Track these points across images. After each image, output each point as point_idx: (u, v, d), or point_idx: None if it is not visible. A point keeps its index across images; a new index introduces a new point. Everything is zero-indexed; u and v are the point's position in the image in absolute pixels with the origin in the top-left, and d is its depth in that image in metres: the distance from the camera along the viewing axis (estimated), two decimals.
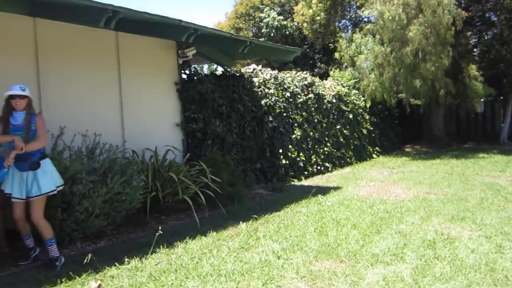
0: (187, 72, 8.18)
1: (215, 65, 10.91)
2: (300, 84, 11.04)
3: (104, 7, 4.81)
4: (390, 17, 12.30)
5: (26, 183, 4.15)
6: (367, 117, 14.04)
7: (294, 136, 10.22)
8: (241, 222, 5.78)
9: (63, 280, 3.86)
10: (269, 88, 9.82)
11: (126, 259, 4.35)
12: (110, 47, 6.70)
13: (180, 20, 5.72)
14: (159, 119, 7.44)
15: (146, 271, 4.10)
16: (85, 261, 4.18)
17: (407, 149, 15.94)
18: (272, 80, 10.03)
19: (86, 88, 6.31)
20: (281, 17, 20.79)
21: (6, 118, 4.15)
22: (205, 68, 15.27)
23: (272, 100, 9.76)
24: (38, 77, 5.72)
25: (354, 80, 14.15)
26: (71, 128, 5.44)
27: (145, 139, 6.93)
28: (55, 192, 4.32)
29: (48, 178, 4.22)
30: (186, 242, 4.96)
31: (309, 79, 11.56)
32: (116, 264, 4.25)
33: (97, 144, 5.53)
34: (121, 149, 6.10)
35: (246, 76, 9.36)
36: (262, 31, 20.94)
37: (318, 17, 17.48)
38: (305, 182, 9.65)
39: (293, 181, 9.71)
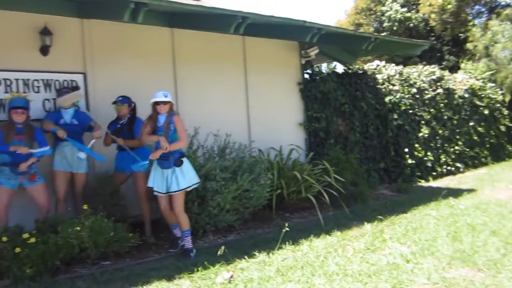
0: (309, 71, 8.26)
1: (334, 64, 10.82)
2: (428, 79, 10.41)
3: (234, 14, 5.10)
4: None
5: (167, 179, 4.56)
6: (506, 112, 12.66)
7: (421, 134, 9.69)
8: (365, 223, 5.66)
9: (198, 268, 4.16)
10: (393, 85, 9.46)
11: (254, 253, 4.55)
12: (237, 51, 7.07)
13: (305, 21, 5.81)
14: (282, 119, 7.64)
15: (273, 265, 4.24)
16: (218, 253, 4.47)
17: None
18: (396, 76, 9.64)
19: (217, 90, 6.77)
20: (404, 9, 19.79)
21: (154, 121, 4.61)
22: (324, 67, 15.26)
23: (397, 97, 9.37)
24: (175, 82, 6.30)
25: (490, 72, 12.87)
26: (204, 129, 5.88)
27: (269, 138, 7.18)
28: (191, 188, 4.68)
29: (185, 176, 4.57)
30: (311, 240, 5.02)
31: (438, 73, 10.83)
32: (245, 257, 4.47)
33: (227, 143, 5.88)
34: (248, 148, 6.40)
35: (369, 73, 9.14)
36: (384, 25, 20.17)
37: (449, 6, 16.25)
38: (433, 183, 9.09)
39: (419, 182, 9.22)
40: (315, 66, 8.63)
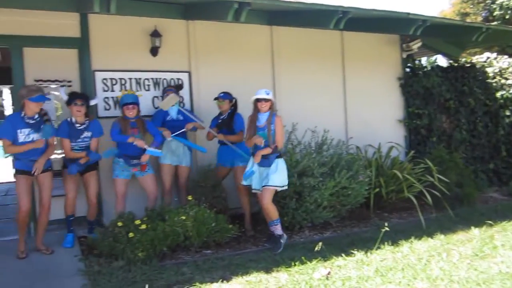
0: (411, 65, 7.88)
1: (435, 57, 10.20)
2: None
3: (334, 9, 5.04)
4: None
5: (262, 176, 4.70)
6: None
7: None
8: (472, 227, 5.29)
9: (296, 263, 4.21)
10: (506, 79, 8.69)
11: (351, 251, 4.49)
12: (335, 46, 6.99)
13: (408, 13, 5.55)
14: (381, 116, 7.39)
15: (372, 265, 4.15)
16: (316, 248, 4.46)
17: None
18: (510, 69, 8.82)
19: (314, 86, 6.76)
20: None
21: (254, 119, 4.74)
22: (424, 61, 14.50)
23: (510, 92, 8.59)
24: (273, 79, 6.42)
25: None
26: (301, 125, 5.89)
27: (367, 135, 6.99)
28: (279, 189, 4.71)
29: (280, 175, 4.65)
30: (411, 241, 4.82)
31: None
32: (342, 255, 4.42)
33: (325, 139, 5.85)
34: (346, 145, 6.31)
35: (477, 66, 8.51)
36: (494, 14, 18.46)
37: None
38: None
39: None
40: (419, 60, 8.24)
